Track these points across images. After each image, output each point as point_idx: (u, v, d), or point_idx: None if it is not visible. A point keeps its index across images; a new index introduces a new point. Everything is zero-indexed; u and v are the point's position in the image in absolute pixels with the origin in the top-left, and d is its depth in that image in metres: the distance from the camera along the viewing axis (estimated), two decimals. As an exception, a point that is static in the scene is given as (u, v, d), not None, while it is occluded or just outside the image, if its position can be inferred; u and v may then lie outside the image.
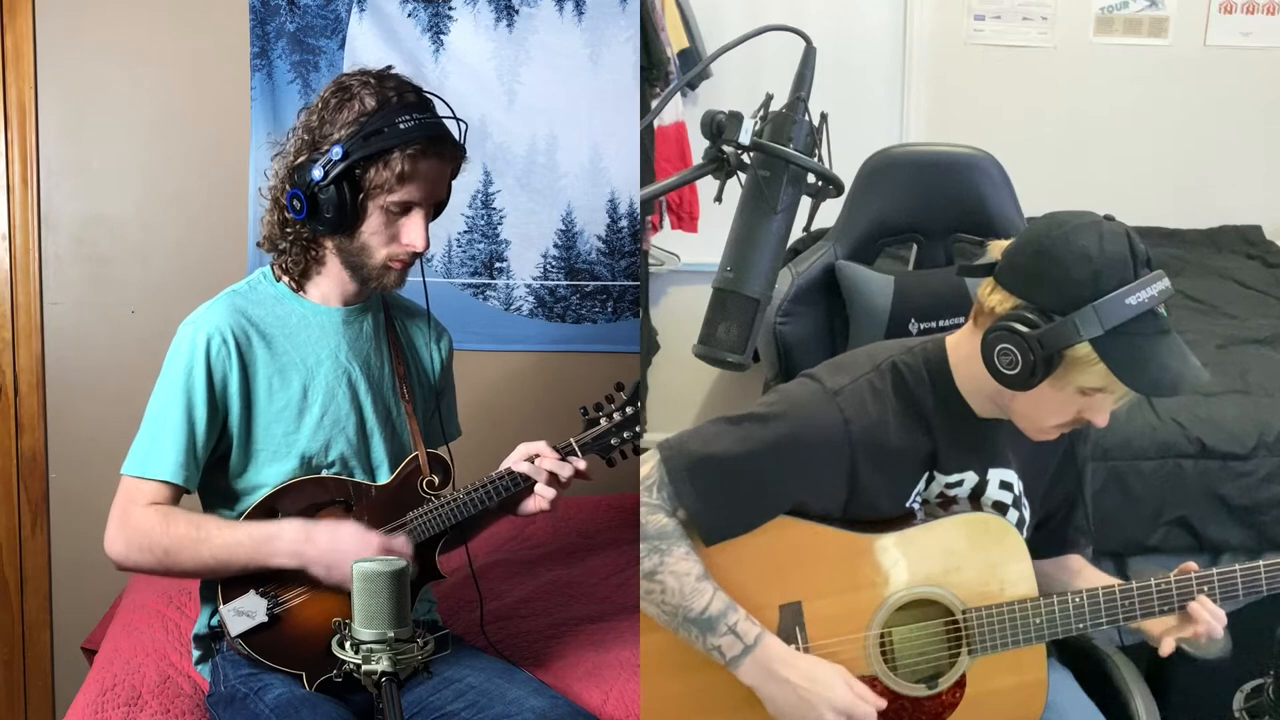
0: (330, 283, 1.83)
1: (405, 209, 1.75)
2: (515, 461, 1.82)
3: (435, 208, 1.82)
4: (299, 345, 1.81)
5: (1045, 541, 1.72)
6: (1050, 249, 1.42)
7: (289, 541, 1.72)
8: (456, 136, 1.78)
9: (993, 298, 1.48)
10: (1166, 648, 1.57)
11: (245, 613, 1.75)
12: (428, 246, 1.79)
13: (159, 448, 1.75)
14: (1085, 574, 1.73)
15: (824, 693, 1.46)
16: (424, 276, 1.86)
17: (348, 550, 1.71)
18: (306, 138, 1.75)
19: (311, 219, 1.74)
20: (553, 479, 1.81)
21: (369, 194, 1.72)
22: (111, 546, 1.75)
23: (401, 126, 1.70)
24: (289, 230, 1.79)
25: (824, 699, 1.45)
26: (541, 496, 1.83)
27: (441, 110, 1.77)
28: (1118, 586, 1.55)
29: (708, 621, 1.46)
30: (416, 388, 1.94)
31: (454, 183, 1.84)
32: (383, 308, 1.92)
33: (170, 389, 1.76)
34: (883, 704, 1.51)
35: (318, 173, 1.70)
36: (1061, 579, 1.72)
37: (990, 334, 1.45)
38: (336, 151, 1.69)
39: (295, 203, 1.73)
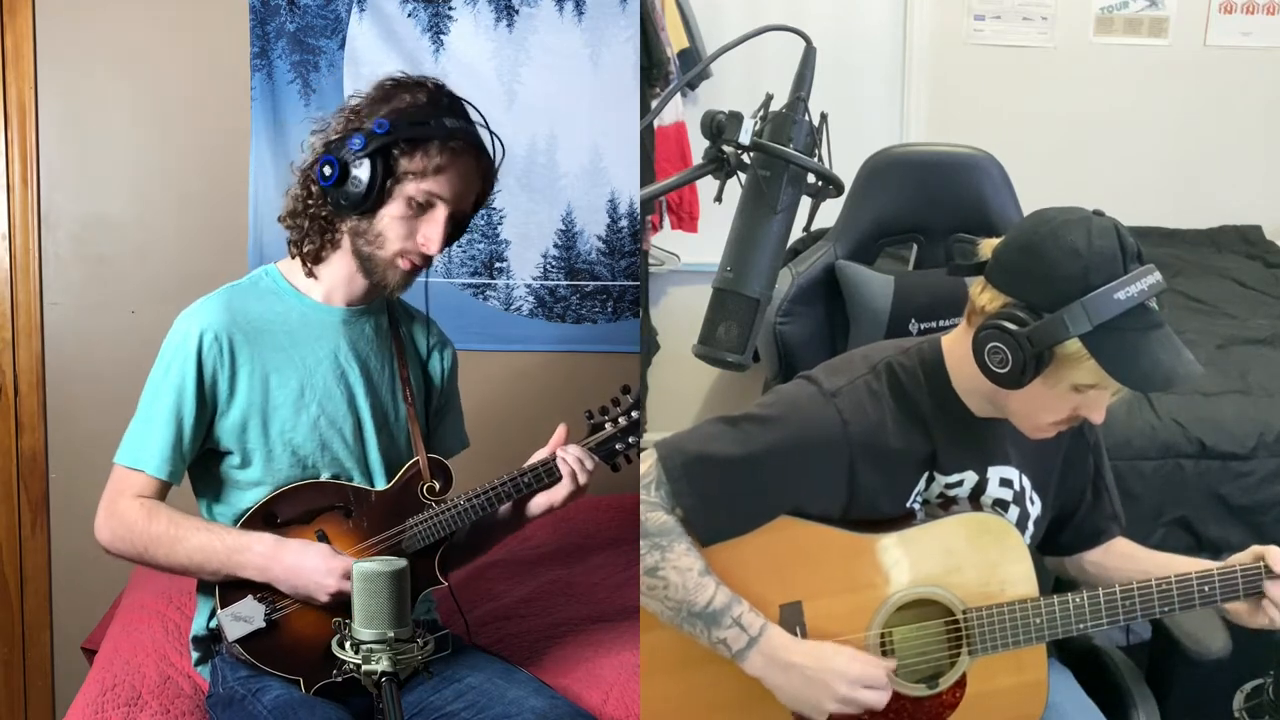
0: (338, 274, 1.81)
1: (428, 205, 1.74)
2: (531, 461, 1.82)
3: (456, 225, 1.80)
4: (298, 343, 1.81)
5: (1075, 536, 1.72)
6: (1038, 246, 1.42)
7: (257, 555, 1.72)
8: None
9: (983, 296, 1.47)
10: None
11: (243, 618, 1.74)
12: (440, 251, 1.77)
13: (147, 441, 1.75)
14: (1138, 556, 1.71)
15: (832, 668, 1.46)
16: (426, 277, 1.86)
17: (311, 573, 1.71)
18: (352, 118, 1.75)
19: (337, 189, 1.71)
20: (573, 474, 1.79)
21: (399, 179, 1.72)
22: (100, 533, 1.77)
23: (448, 124, 1.72)
24: (310, 205, 1.77)
25: (833, 673, 1.46)
26: (557, 490, 1.80)
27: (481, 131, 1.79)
28: (1118, 587, 1.55)
29: (712, 615, 1.46)
30: (419, 393, 1.92)
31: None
32: (386, 310, 1.91)
33: (161, 382, 1.76)
34: (892, 664, 1.51)
35: (357, 141, 1.69)
36: (1123, 566, 1.70)
37: (980, 332, 1.44)
38: (382, 124, 1.69)
39: (326, 169, 1.71)
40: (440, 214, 1.75)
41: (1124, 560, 1.71)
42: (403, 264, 1.77)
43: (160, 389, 1.75)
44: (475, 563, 2.04)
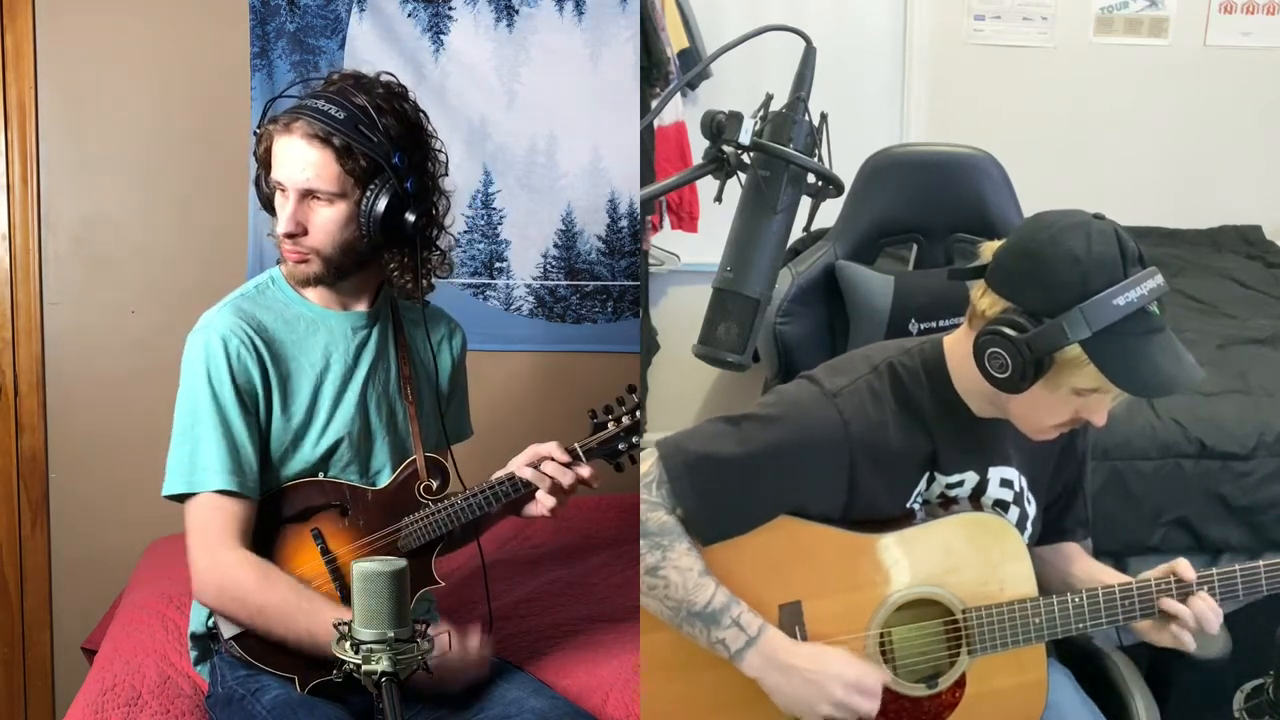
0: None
1: (281, 191, 1.74)
2: (520, 465, 1.79)
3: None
4: (307, 349, 1.80)
5: (1042, 530, 1.72)
6: (1037, 251, 1.42)
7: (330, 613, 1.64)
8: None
9: (983, 300, 1.47)
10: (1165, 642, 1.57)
11: None
12: (299, 231, 1.71)
13: (201, 461, 1.70)
14: (1081, 562, 1.73)
15: (830, 671, 1.46)
16: (421, 272, 1.85)
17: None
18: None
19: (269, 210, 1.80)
20: (555, 487, 1.78)
21: (267, 175, 1.77)
22: (202, 594, 1.72)
23: (282, 105, 1.75)
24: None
25: (831, 677, 1.46)
26: (542, 504, 1.79)
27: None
28: (1118, 586, 1.55)
29: (711, 615, 1.46)
30: (423, 391, 1.91)
31: (449, 189, 1.84)
32: (391, 310, 1.90)
33: (195, 398, 1.71)
34: (889, 676, 1.51)
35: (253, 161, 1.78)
36: (1058, 565, 1.72)
37: (980, 338, 1.44)
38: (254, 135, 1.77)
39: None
40: (289, 198, 1.71)
41: (1067, 562, 1.72)
42: (287, 257, 1.76)
43: (197, 404, 1.71)
44: (473, 561, 2.04)
